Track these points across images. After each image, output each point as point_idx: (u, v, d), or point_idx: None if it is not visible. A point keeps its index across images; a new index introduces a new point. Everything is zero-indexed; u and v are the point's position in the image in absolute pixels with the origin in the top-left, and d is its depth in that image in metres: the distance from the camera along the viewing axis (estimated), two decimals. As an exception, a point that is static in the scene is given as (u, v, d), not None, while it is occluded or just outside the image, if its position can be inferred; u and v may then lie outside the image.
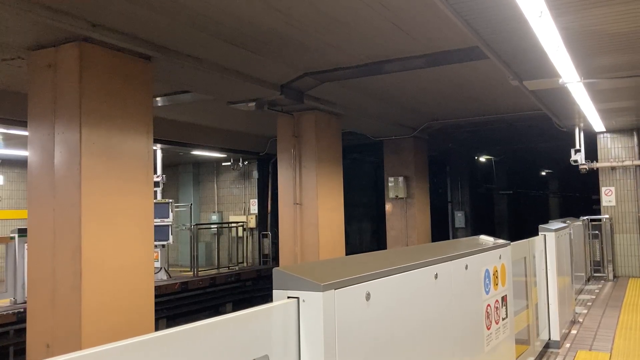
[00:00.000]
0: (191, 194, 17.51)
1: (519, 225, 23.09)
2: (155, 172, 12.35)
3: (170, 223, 12.45)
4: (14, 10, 5.04)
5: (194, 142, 13.61)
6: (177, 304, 12.06)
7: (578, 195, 28.85)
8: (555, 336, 5.94)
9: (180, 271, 14.62)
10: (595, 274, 11.64)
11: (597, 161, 12.08)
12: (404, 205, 13.63)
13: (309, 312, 1.84)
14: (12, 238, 9.67)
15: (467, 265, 3.28)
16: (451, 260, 3.07)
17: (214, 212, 17.23)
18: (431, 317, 2.80)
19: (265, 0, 5.57)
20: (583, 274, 10.35)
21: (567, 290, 6.86)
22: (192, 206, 16.61)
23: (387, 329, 2.32)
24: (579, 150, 11.27)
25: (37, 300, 5.91)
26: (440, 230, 17.19)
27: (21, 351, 8.46)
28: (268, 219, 16.27)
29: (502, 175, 21.74)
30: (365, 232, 20.63)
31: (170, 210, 12.48)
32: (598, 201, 12.43)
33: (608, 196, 12.05)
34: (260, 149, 15.22)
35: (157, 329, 7.63)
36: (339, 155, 10.71)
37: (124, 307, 6.00)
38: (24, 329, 6.35)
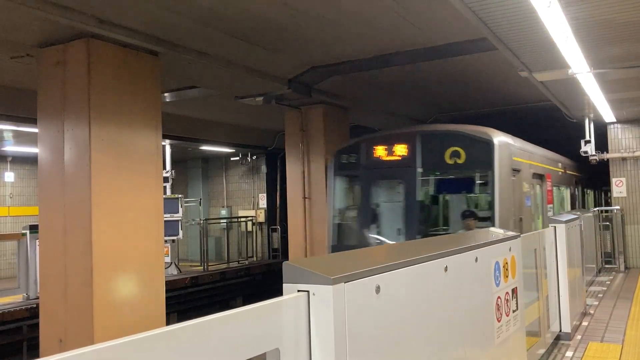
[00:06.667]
0: (200, 189, 17.56)
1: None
2: (164, 167, 12.38)
3: (179, 218, 12.50)
4: (23, 8, 5.07)
5: (202, 137, 13.65)
6: (187, 299, 12.13)
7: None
8: (566, 328, 5.92)
9: (191, 266, 14.69)
10: (607, 266, 11.57)
11: (607, 152, 11.97)
12: (413, 198, 13.54)
13: (319, 305, 1.84)
14: (24, 235, 9.75)
15: (477, 258, 3.27)
16: (461, 253, 3.06)
17: (223, 206, 17.28)
18: (441, 310, 2.79)
19: (271, -6, 5.57)
20: (594, 265, 10.29)
21: (578, 282, 6.82)
22: (202, 201, 16.66)
23: (397, 322, 2.32)
24: (589, 141, 11.17)
25: (49, 295, 5.97)
26: (450, 223, 17.12)
27: (34, 346, 8.54)
28: (277, 213, 16.29)
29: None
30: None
31: (179, 205, 12.53)
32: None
33: (619, 187, 11.95)
34: (268, 144, 15.23)
35: (168, 323, 7.68)
36: (347, 149, 10.67)
37: (135, 301, 6.05)
38: (37, 324, 6.41)
